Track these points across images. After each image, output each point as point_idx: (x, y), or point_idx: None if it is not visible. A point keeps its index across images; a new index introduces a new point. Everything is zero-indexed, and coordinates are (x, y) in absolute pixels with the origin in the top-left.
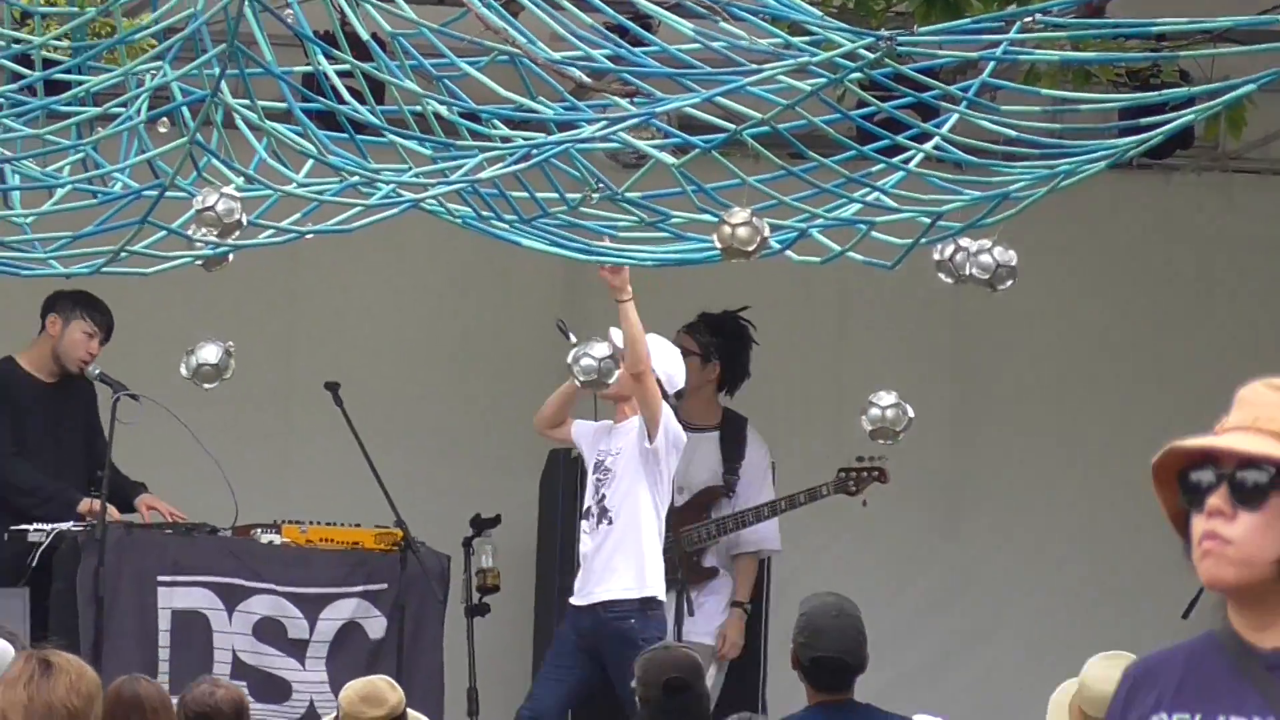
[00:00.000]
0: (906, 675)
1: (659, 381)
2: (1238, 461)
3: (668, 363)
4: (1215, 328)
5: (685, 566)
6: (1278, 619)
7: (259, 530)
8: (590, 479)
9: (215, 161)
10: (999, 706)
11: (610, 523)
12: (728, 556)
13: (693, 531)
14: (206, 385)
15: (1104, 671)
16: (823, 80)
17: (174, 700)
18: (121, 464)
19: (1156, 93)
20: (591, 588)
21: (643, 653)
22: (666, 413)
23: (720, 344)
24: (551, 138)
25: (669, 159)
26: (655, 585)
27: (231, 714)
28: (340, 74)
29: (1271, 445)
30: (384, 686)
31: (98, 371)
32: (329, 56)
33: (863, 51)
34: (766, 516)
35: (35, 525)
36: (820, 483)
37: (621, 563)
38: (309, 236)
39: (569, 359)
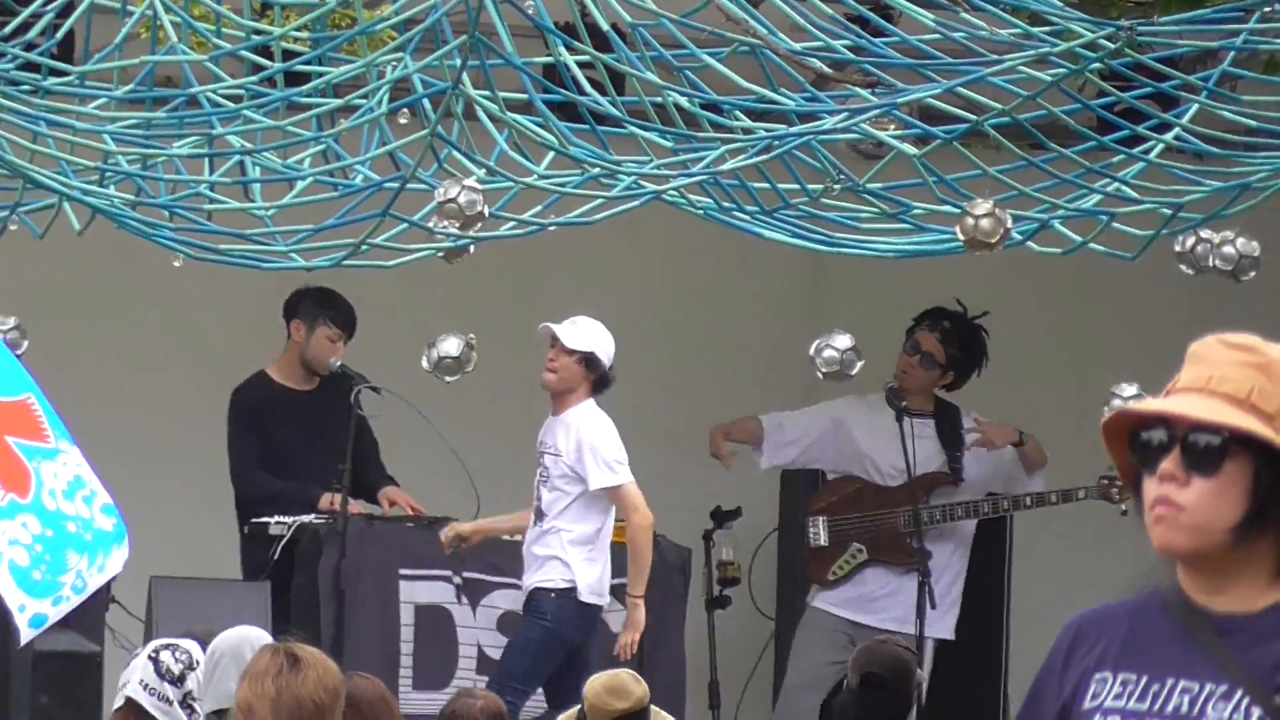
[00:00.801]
0: None
1: (601, 364)
2: (1190, 426)
3: (605, 347)
4: None
5: (892, 547)
6: (1232, 584)
7: None
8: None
9: (456, 153)
10: None
11: (542, 519)
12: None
13: (902, 515)
14: (448, 378)
15: None
16: (1063, 71)
17: (421, 695)
18: (360, 457)
19: None
20: (524, 579)
21: (865, 642)
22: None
23: (962, 359)
24: (793, 129)
25: (910, 150)
26: (581, 584)
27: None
28: (581, 65)
29: (1224, 410)
30: (628, 679)
31: (338, 364)
32: (569, 48)
33: (1103, 41)
34: (1006, 510)
35: (276, 519)
36: (1077, 485)
37: (544, 554)
38: (550, 228)
39: (811, 350)
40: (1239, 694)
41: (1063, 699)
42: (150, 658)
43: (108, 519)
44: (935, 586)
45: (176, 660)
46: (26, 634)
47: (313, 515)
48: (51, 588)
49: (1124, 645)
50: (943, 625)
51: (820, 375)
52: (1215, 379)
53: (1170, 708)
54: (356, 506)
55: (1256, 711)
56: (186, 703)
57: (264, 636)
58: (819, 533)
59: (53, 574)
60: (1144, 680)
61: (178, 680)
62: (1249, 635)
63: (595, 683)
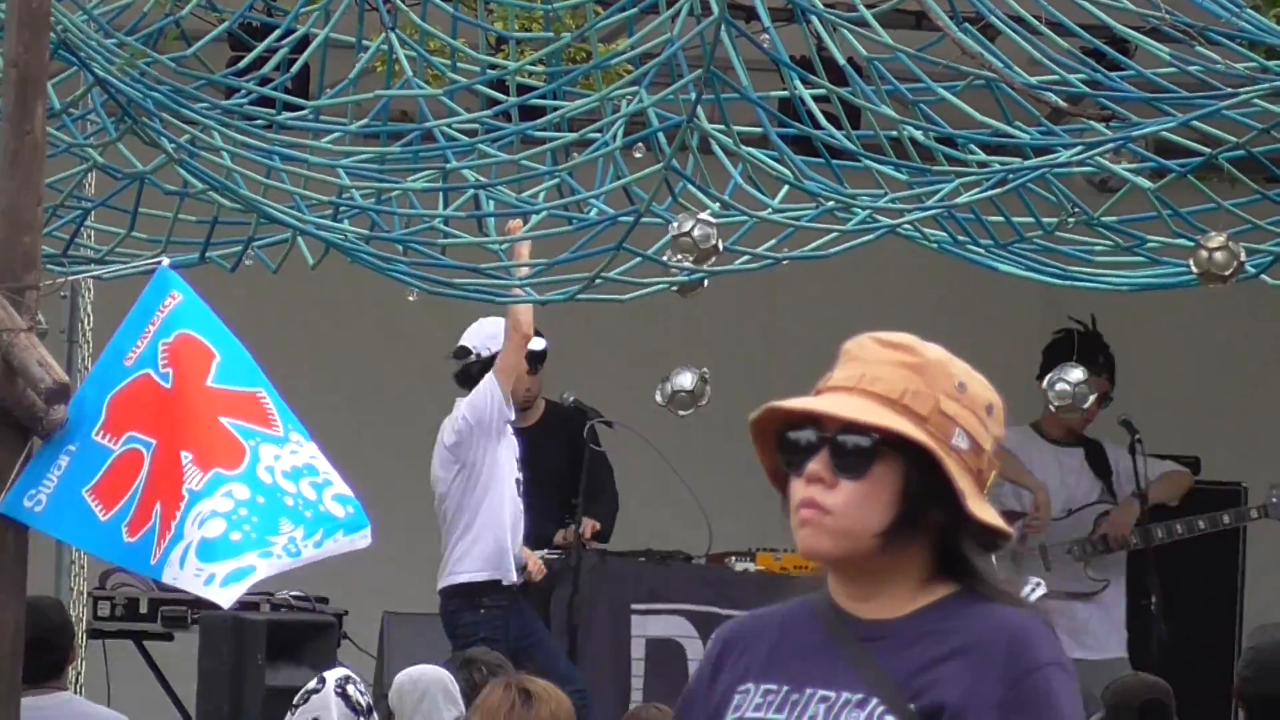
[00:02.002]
0: None
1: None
2: (839, 426)
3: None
4: None
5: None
6: (880, 590)
7: (734, 558)
8: None
9: (691, 187)
10: None
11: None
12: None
13: (1073, 545)
14: (682, 412)
15: None
16: None
17: None
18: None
19: None
20: None
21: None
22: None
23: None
24: (1028, 162)
25: (1145, 183)
26: (459, 573)
27: None
28: (816, 99)
29: (876, 410)
30: None
31: (572, 398)
32: (805, 81)
33: None
34: (1181, 534)
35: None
36: (1252, 505)
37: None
38: (785, 262)
39: (1044, 384)
40: (873, 702)
41: (709, 711)
42: (337, 693)
43: (340, 506)
44: (1113, 610)
45: (362, 694)
46: (221, 594)
47: (546, 550)
48: (258, 544)
49: (770, 655)
50: (1118, 645)
51: (1053, 409)
52: (868, 378)
53: (807, 717)
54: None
55: (891, 719)
56: None
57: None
58: None
59: (260, 533)
60: (785, 690)
61: (367, 712)
62: (892, 642)
63: None
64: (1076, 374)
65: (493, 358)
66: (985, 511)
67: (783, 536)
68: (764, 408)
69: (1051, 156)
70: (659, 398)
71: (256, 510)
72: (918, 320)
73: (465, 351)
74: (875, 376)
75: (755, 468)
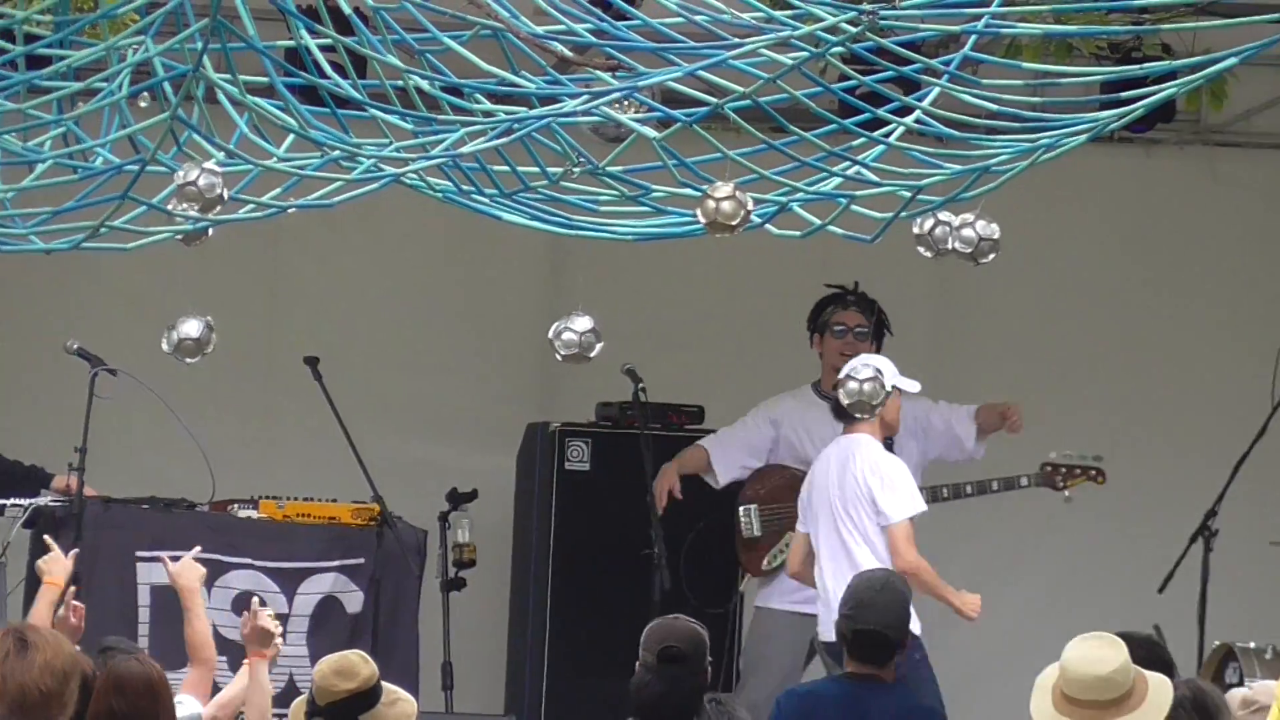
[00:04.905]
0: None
1: None
2: None
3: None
4: (1197, 304)
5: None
6: None
7: (236, 506)
8: None
9: (196, 136)
10: (974, 695)
11: None
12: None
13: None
14: (188, 360)
15: (1085, 652)
16: (805, 54)
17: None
18: (100, 440)
19: (1138, 66)
20: None
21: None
22: None
23: (876, 327)
24: (533, 112)
25: (651, 133)
26: None
27: (141, 689)
28: (322, 48)
29: None
30: (356, 660)
31: (76, 346)
32: (311, 31)
33: (845, 25)
34: (945, 498)
35: (11, 500)
36: (1020, 473)
37: None
38: (290, 211)
39: (550, 333)
40: None
41: None
42: None
43: None
44: None
45: None
46: None
47: (49, 498)
48: None
49: None
50: None
51: (559, 358)
52: None
53: None
54: (92, 489)
55: None
56: None
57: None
58: (751, 522)
59: None
60: None
61: None
62: None
63: (323, 664)
64: (583, 322)
65: None
66: None
67: (285, 484)
68: None
69: (557, 106)
70: (165, 345)
71: None
72: (421, 271)
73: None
74: None
75: (258, 415)
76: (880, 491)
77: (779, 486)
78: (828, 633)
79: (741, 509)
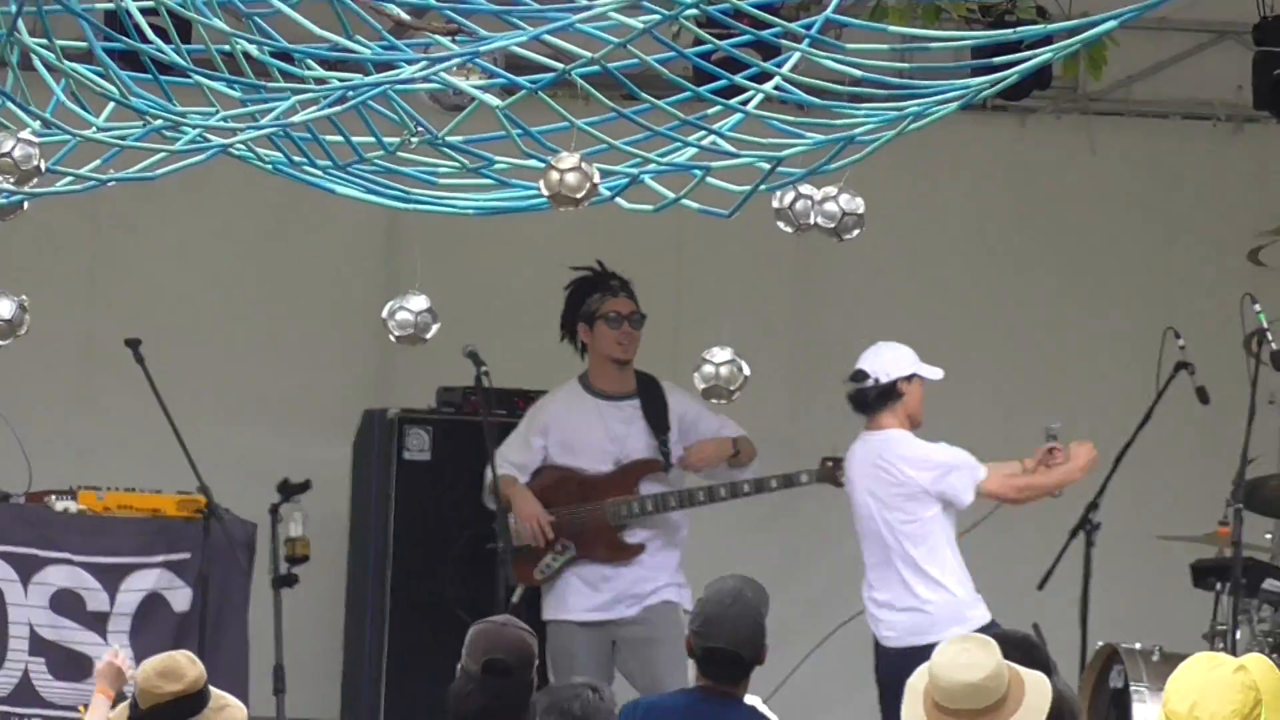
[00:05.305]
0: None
1: None
2: None
3: None
4: (1075, 278)
5: (602, 543)
6: None
7: (54, 497)
8: None
9: (10, 105)
10: (833, 696)
11: None
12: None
13: (620, 505)
14: (1, 342)
15: (954, 657)
16: (657, 17)
17: None
18: None
19: (1012, 30)
20: None
21: (476, 623)
22: None
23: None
24: (368, 79)
25: (493, 101)
26: None
27: None
28: (144, 11)
29: None
30: (183, 661)
31: None
32: None
33: None
34: (723, 498)
35: None
36: (797, 470)
37: None
38: (110, 184)
39: (384, 313)
40: None
41: None
42: None
43: None
44: (660, 574)
45: None
46: None
47: None
48: None
49: None
50: None
51: (394, 339)
52: None
53: None
54: None
55: None
56: None
57: None
58: (519, 530)
59: None
60: None
61: None
62: None
63: (146, 665)
64: (419, 302)
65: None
66: None
67: (106, 474)
68: None
69: (394, 73)
70: None
71: None
72: (250, 247)
73: (863, 375)
74: None
75: (76, 399)
76: (945, 479)
77: (546, 487)
78: (893, 637)
79: (511, 513)
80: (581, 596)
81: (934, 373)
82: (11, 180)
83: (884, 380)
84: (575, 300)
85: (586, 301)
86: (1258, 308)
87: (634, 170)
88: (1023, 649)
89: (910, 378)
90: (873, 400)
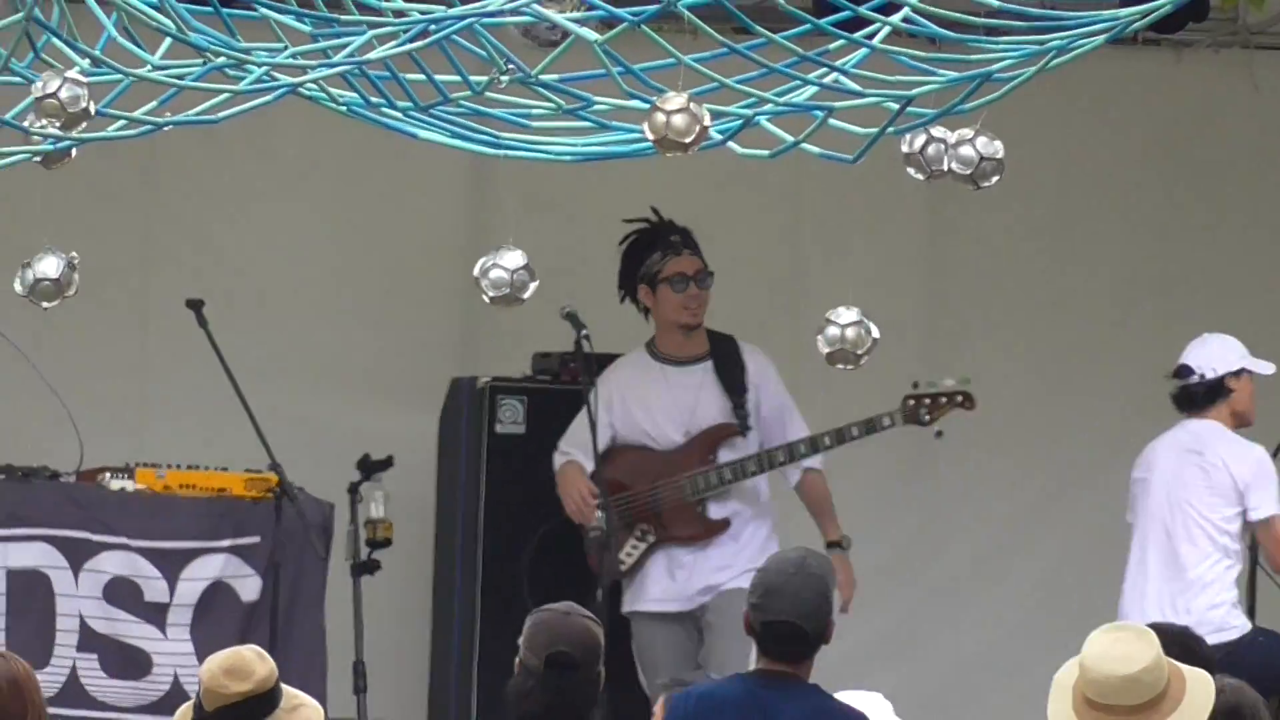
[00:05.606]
0: (865, 645)
1: None
2: None
3: None
4: (1233, 227)
5: (683, 522)
6: None
7: (108, 475)
8: None
9: (56, 41)
10: (977, 686)
11: None
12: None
13: (696, 478)
14: (46, 304)
15: (1108, 647)
16: None
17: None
18: None
19: None
20: None
21: (534, 612)
22: None
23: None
24: (452, 11)
25: (592, 35)
26: None
27: (4, 688)
28: None
29: None
30: (251, 657)
31: None
32: None
33: None
34: (804, 455)
35: None
36: (880, 412)
37: None
38: (167, 129)
39: (475, 271)
40: None
41: None
42: None
43: None
44: (741, 555)
45: None
46: None
47: None
48: None
49: None
50: None
51: (487, 299)
52: None
53: None
54: None
55: None
56: None
57: None
58: (599, 520)
59: None
60: None
61: None
62: None
63: (212, 662)
64: (514, 258)
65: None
66: None
67: (165, 450)
68: None
69: (481, 4)
70: (19, 286)
71: None
72: (322, 199)
73: (1188, 371)
74: None
75: (133, 368)
76: (1253, 484)
77: (620, 472)
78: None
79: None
80: (660, 585)
81: (1265, 367)
82: (58, 124)
83: (1210, 376)
84: (633, 259)
85: (646, 261)
86: None
87: (748, 111)
88: (1180, 643)
89: (1239, 373)
90: (1200, 399)
